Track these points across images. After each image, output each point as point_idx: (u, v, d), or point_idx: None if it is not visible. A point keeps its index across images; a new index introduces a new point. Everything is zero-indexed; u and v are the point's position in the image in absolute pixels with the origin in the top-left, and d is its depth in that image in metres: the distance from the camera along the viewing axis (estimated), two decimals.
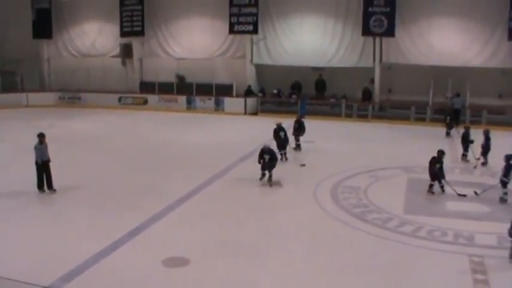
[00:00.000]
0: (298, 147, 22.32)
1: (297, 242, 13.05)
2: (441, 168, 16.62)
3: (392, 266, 11.85)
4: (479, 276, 11.38)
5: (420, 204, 16.04)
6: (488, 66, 29.44)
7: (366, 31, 30.86)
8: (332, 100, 31.92)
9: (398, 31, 30.51)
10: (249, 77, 33.66)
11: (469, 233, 13.54)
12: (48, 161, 16.43)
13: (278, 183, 17.59)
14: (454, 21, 29.87)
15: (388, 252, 12.62)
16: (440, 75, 29.70)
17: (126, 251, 12.40)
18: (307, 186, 17.16)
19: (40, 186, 16.43)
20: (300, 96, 32.16)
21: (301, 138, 22.23)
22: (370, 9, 30.62)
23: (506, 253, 12.04)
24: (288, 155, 20.71)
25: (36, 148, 16.36)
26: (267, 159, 17.41)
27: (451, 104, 28.63)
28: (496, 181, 16.44)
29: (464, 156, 20.89)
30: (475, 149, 20.51)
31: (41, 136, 16.48)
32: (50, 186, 16.50)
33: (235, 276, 11.24)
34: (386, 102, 31.60)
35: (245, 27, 32.80)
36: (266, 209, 15.54)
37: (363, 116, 30.69)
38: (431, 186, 16.71)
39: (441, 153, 16.80)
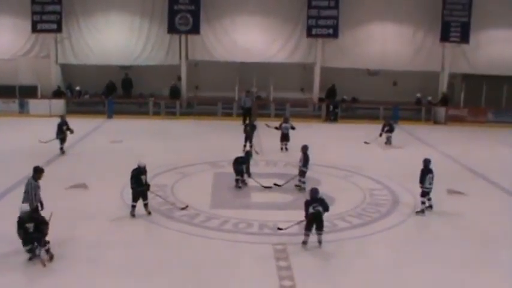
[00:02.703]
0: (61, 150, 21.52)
1: (102, 244, 12.69)
2: (247, 167, 17.10)
3: (199, 261, 11.91)
4: (282, 263, 11.82)
5: (226, 199, 16.32)
6: (290, 62, 30.83)
7: (172, 29, 31.02)
8: (139, 99, 31.60)
9: (203, 29, 31.03)
10: (55, 78, 32.22)
11: (273, 223, 13.95)
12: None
13: (83, 185, 17.03)
14: (257, 19, 31.08)
15: (195, 248, 12.71)
16: (246, 71, 30.65)
17: None
18: (114, 186, 16.61)
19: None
20: (107, 96, 31.41)
21: (109, 138, 21.63)
22: (175, 7, 30.85)
23: None
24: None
25: (31, 186, 12.86)
26: (31, 230, 11.51)
27: (242, 103, 28.81)
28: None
29: (244, 147, 21.38)
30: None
31: (37, 171, 13.11)
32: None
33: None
34: (194, 99, 31.92)
35: (49, 26, 31.42)
36: (69, 212, 14.74)
37: (171, 114, 30.68)
38: (237, 181, 17.08)
39: (248, 154, 17.38)
